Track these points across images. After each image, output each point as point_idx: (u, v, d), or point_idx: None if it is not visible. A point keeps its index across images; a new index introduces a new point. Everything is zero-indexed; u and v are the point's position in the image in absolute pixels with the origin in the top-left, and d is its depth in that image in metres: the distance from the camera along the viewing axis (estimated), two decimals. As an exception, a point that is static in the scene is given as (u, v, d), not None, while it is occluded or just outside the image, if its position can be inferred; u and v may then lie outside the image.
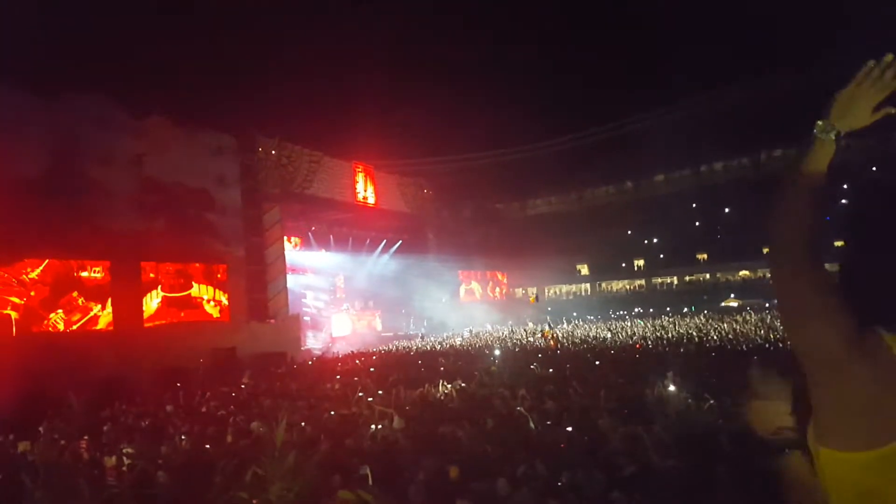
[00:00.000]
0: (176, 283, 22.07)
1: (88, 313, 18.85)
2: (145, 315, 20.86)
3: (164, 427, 8.13)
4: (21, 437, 8.53)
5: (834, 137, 1.33)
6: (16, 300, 17.12)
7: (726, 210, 46.78)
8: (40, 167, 16.89)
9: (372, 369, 15.05)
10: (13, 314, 17.01)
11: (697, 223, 47.45)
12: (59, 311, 18.15)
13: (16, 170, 15.96)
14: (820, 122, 1.34)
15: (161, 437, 7.37)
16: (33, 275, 17.62)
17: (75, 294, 18.54)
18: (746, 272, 46.16)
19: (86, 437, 8.23)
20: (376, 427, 7.22)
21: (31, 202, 15.93)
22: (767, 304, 33.74)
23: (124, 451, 6.94)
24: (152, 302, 21.11)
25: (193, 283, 22.62)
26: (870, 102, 1.33)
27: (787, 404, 1.36)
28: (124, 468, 6.22)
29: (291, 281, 28.02)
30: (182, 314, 22.08)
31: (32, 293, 17.53)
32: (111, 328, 19.14)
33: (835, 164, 1.32)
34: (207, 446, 6.90)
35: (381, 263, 37.14)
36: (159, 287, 21.45)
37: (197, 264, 22.69)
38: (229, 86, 33.95)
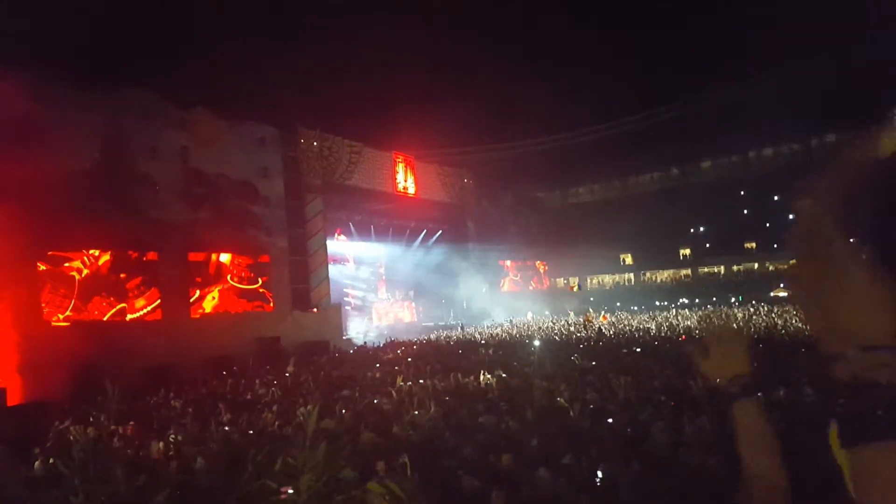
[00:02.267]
0: (247, 274, 22.66)
1: (153, 302, 19.43)
2: (212, 305, 21.43)
3: (207, 414, 8.31)
4: (77, 423, 8.84)
5: None
6: (76, 275, 17.67)
7: (776, 198, 45.25)
8: (90, 160, 17.42)
9: (410, 359, 15.10)
10: (71, 302, 17.56)
11: (746, 211, 45.95)
12: (123, 298, 18.73)
13: (68, 163, 16.47)
14: None
15: (203, 425, 7.52)
16: (93, 251, 18.13)
17: (137, 282, 19.09)
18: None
19: (130, 424, 8.49)
20: (413, 416, 7.22)
21: (84, 194, 16.40)
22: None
23: (170, 437, 7.14)
24: (217, 292, 21.63)
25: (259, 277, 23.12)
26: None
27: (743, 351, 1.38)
28: (170, 453, 6.39)
29: (333, 271, 28.36)
30: (252, 305, 22.70)
31: (89, 271, 18.10)
32: (160, 317, 19.62)
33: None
34: (250, 432, 7.03)
35: (421, 253, 37.25)
36: (229, 277, 22.00)
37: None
38: (271, 78, 34.44)
